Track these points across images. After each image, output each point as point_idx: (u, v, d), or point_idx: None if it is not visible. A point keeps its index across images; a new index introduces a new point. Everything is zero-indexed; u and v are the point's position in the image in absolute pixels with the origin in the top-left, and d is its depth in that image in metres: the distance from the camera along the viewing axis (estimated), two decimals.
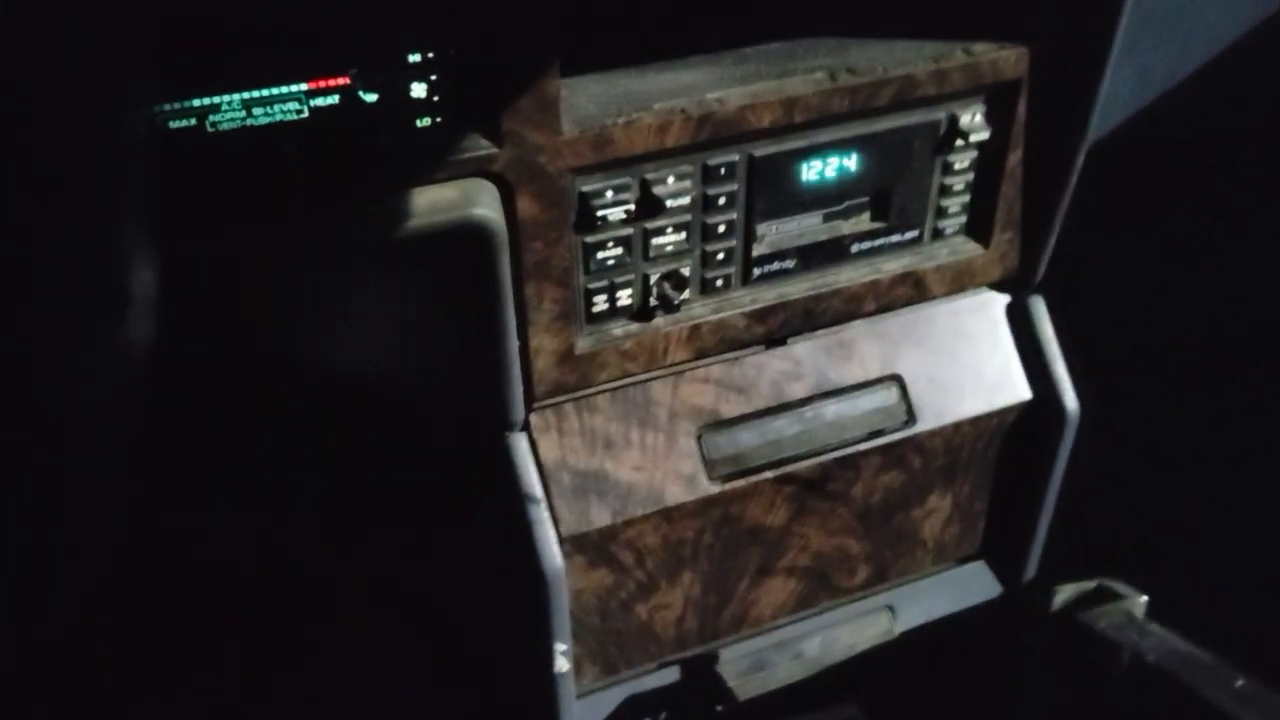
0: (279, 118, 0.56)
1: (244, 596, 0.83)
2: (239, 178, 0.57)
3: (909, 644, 0.87)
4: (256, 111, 0.56)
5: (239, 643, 0.84)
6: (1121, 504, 0.94)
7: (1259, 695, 0.62)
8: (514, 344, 0.65)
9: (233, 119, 0.56)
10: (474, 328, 0.64)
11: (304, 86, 0.56)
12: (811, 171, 0.71)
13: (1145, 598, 0.75)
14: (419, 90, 0.59)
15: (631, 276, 0.69)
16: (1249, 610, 0.81)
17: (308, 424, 0.72)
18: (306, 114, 0.57)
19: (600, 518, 0.72)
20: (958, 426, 0.80)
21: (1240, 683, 0.65)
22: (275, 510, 0.77)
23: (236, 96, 0.55)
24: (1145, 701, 0.69)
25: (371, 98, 0.58)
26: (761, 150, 0.68)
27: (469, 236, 0.60)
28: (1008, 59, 0.71)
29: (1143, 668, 0.68)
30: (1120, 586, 0.76)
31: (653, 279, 0.69)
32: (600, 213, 0.64)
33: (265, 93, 0.56)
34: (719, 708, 0.83)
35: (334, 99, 0.57)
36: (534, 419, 0.71)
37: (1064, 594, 0.77)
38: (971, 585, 0.90)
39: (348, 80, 0.57)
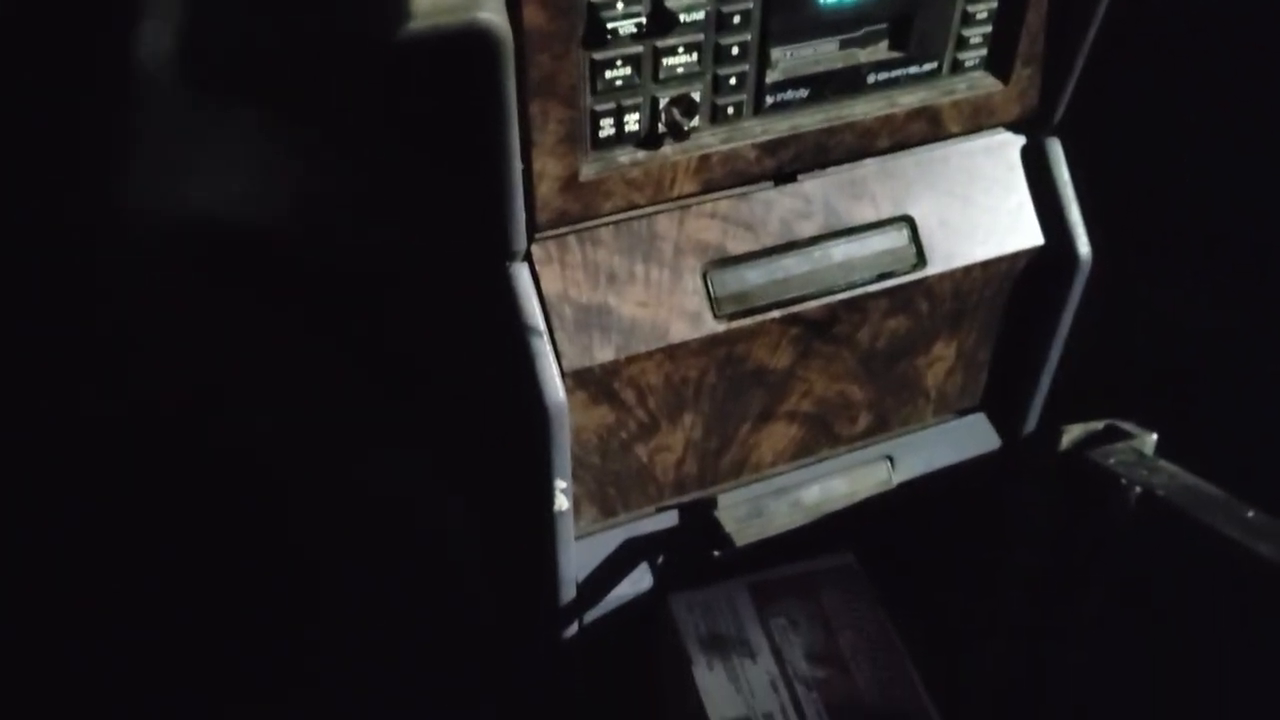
0: None
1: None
2: None
3: (907, 495, 0.86)
4: None
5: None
6: (1126, 355, 0.93)
7: (1269, 526, 0.62)
8: (517, 166, 0.62)
9: None
10: (475, 146, 0.61)
11: None
12: None
13: (1154, 435, 0.75)
14: None
15: (640, 99, 0.65)
16: (1258, 448, 0.81)
17: (303, 254, 0.70)
18: None
19: (603, 353, 0.70)
20: (967, 270, 0.79)
21: (1251, 514, 0.64)
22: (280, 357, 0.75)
23: None
24: (1156, 536, 0.69)
25: None
26: None
27: (474, 42, 0.56)
28: None
29: (1153, 503, 0.68)
30: (1129, 426, 0.76)
31: (662, 103, 0.66)
32: (611, 25, 0.61)
33: None
34: (716, 553, 0.82)
35: None
36: (536, 250, 0.68)
37: (1072, 434, 0.76)
38: (970, 438, 0.89)
39: None
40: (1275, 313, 0.93)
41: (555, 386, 0.68)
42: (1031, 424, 0.89)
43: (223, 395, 0.84)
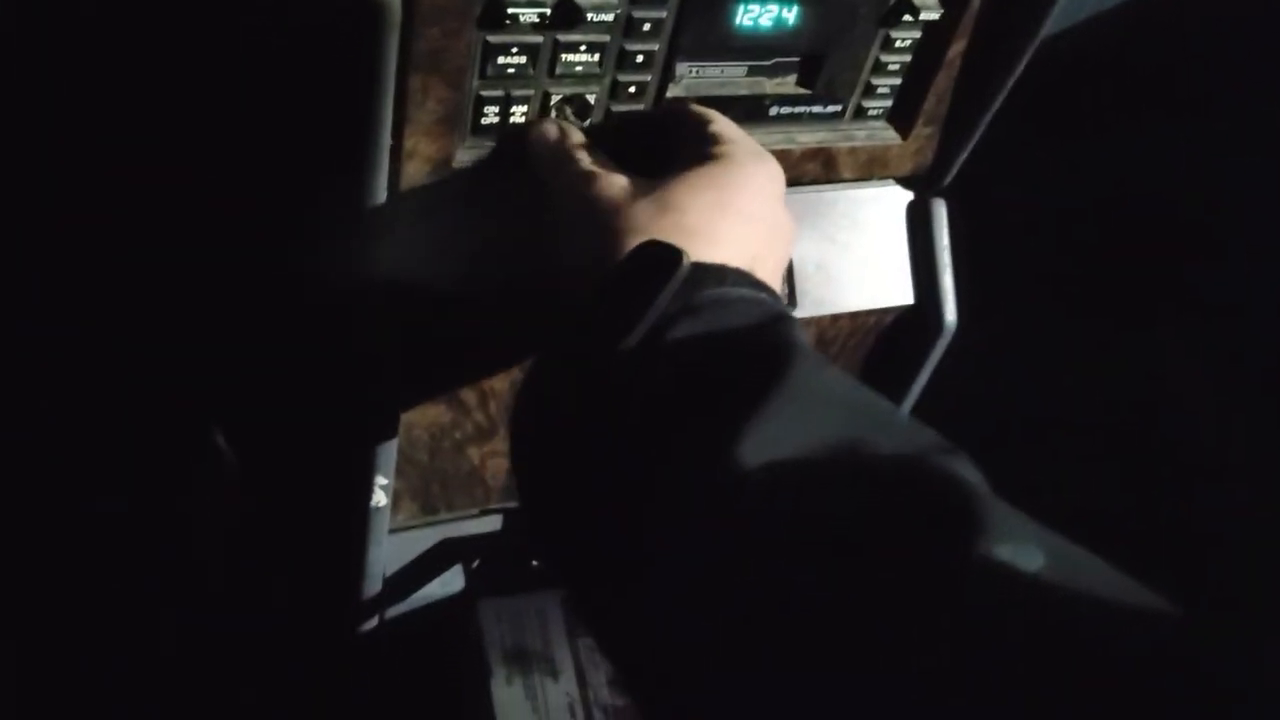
0: None
1: None
2: None
3: None
4: None
5: None
6: (975, 425, 0.94)
7: None
8: (385, 140, 0.57)
9: None
10: (342, 110, 0.55)
11: None
12: (748, 16, 0.64)
13: None
14: None
15: (531, 92, 0.61)
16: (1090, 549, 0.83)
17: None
18: None
19: (449, 352, 0.65)
20: (835, 318, 0.77)
21: None
22: None
23: None
24: None
25: None
26: None
27: (355, 6, 0.51)
28: None
29: None
30: None
31: (554, 99, 0.61)
32: (512, 10, 0.56)
33: None
34: (535, 563, 0.79)
35: None
36: None
37: None
38: None
39: None
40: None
41: (389, 383, 0.63)
42: None
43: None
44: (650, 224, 0.53)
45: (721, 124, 0.61)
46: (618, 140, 0.62)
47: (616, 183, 0.56)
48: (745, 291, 0.51)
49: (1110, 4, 0.85)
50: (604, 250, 0.53)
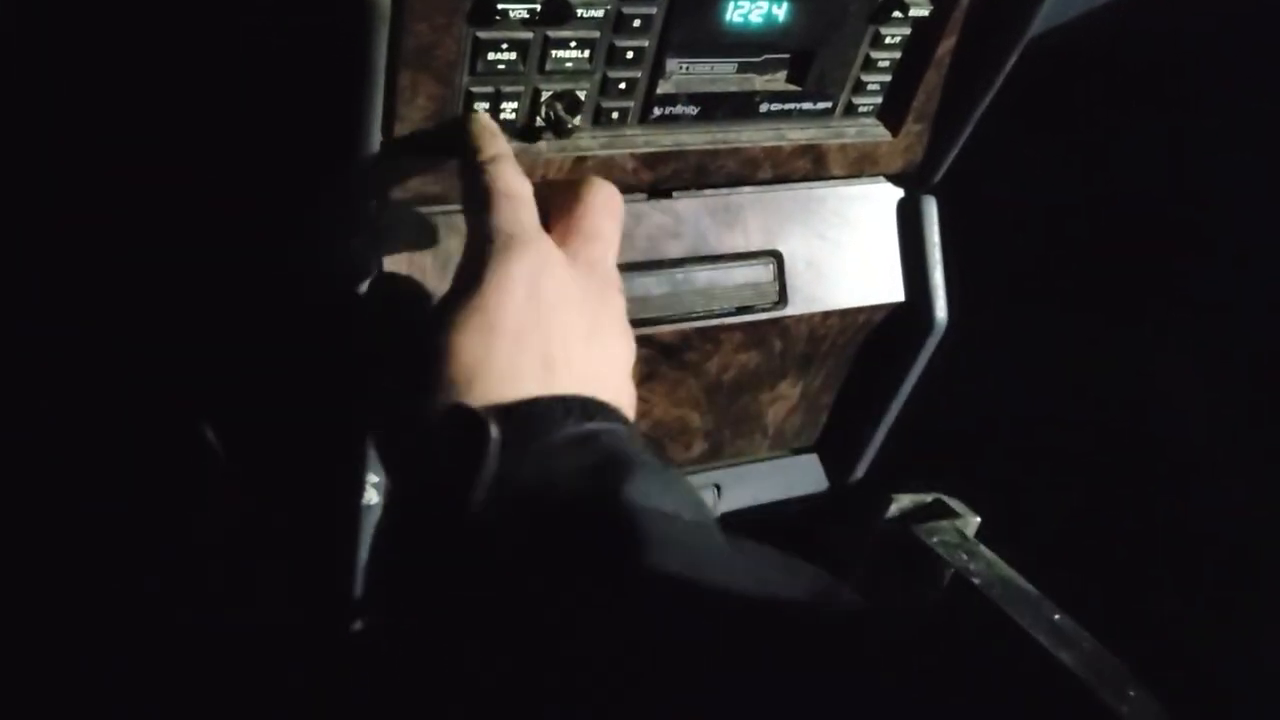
0: None
1: None
2: None
3: (730, 525, 0.85)
4: None
5: None
6: (966, 422, 0.94)
7: (1073, 634, 0.63)
8: (375, 137, 0.57)
9: None
10: (332, 115, 0.55)
11: None
12: (738, 13, 0.64)
13: (978, 519, 0.75)
14: None
15: (521, 89, 0.61)
16: (1077, 548, 0.83)
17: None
18: None
19: None
20: (825, 316, 0.77)
21: (1058, 617, 0.65)
22: None
23: None
24: (962, 622, 0.69)
25: None
26: None
27: (345, 3, 0.51)
28: None
29: (965, 589, 0.68)
30: (956, 504, 0.76)
31: (544, 96, 0.61)
32: (502, 6, 0.56)
33: None
34: None
35: None
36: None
37: (900, 503, 0.76)
38: (801, 477, 0.89)
39: None
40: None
41: (379, 380, 0.63)
42: (861, 471, 0.89)
43: None
44: (438, 369, 0.50)
45: (503, 209, 0.53)
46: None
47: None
48: (571, 431, 0.47)
49: (1100, 1, 0.86)
50: (406, 397, 0.52)
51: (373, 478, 0.67)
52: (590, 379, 0.51)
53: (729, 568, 0.44)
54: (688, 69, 0.66)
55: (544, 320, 0.51)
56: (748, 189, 0.73)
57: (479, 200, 0.53)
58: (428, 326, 0.52)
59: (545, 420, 0.47)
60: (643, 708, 0.39)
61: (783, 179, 0.73)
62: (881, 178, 0.78)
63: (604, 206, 0.57)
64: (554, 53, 0.60)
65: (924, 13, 0.67)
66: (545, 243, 0.53)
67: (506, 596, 0.43)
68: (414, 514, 0.49)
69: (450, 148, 0.59)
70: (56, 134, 0.68)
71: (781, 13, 0.65)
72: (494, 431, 0.45)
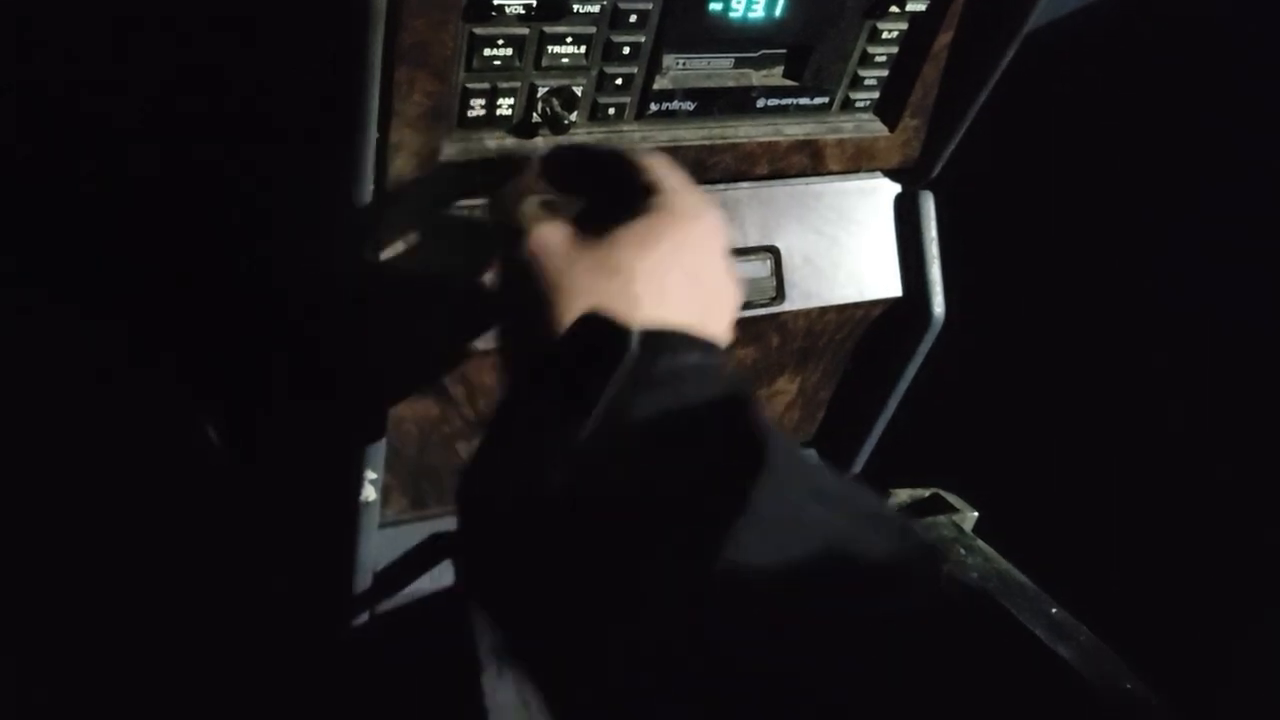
0: None
1: None
2: None
3: None
4: None
5: None
6: (964, 417, 0.94)
7: (1071, 627, 0.63)
8: (371, 133, 0.57)
9: None
10: (326, 109, 0.55)
11: None
12: (734, 8, 0.64)
13: (976, 513, 0.75)
14: None
15: (518, 84, 0.61)
16: (1074, 542, 0.83)
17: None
18: None
19: (437, 345, 0.65)
20: (823, 311, 0.77)
21: (1055, 611, 0.65)
22: None
23: None
24: (961, 616, 0.69)
25: None
26: None
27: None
28: None
29: (963, 584, 0.68)
30: (954, 499, 0.76)
31: (540, 91, 0.61)
32: (498, 2, 0.56)
33: None
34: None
35: None
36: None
37: (898, 498, 0.76)
38: None
39: None
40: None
41: (378, 376, 0.63)
42: (859, 466, 0.89)
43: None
44: (591, 287, 0.50)
45: (666, 172, 0.56)
46: (571, 171, 0.60)
47: (557, 234, 0.53)
48: (698, 359, 0.48)
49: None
50: (543, 312, 0.51)
51: (371, 475, 0.67)
52: (728, 324, 0.55)
53: (837, 507, 0.45)
54: (684, 64, 0.66)
55: (707, 281, 0.54)
56: (745, 184, 0.73)
57: (642, 156, 0.56)
58: (592, 234, 0.53)
59: (686, 346, 0.48)
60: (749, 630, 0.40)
61: (780, 174, 0.73)
62: (879, 173, 0.78)
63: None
64: (550, 48, 0.60)
65: (921, 8, 0.67)
66: (719, 219, 0.56)
67: (622, 517, 0.44)
68: (520, 443, 0.48)
69: (447, 140, 0.59)
70: (60, 132, 0.68)
71: (778, 7, 0.65)
72: (634, 339, 0.46)
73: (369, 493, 0.69)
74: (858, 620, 0.41)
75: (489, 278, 0.64)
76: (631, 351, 0.46)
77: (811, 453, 0.88)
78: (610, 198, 0.56)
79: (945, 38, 0.70)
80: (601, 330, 0.47)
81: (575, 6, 0.58)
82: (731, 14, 0.64)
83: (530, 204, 0.56)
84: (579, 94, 0.62)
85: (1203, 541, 0.96)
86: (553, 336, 0.50)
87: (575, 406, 0.45)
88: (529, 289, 0.53)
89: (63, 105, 0.66)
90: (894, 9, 0.67)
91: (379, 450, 0.67)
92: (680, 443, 0.45)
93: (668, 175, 0.56)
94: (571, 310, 0.49)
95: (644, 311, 0.49)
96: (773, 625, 0.40)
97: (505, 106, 0.61)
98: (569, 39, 0.60)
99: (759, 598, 0.40)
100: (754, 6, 0.64)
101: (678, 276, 0.52)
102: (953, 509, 0.75)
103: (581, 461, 0.45)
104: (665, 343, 0.48)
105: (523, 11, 0.57)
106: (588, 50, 0.61)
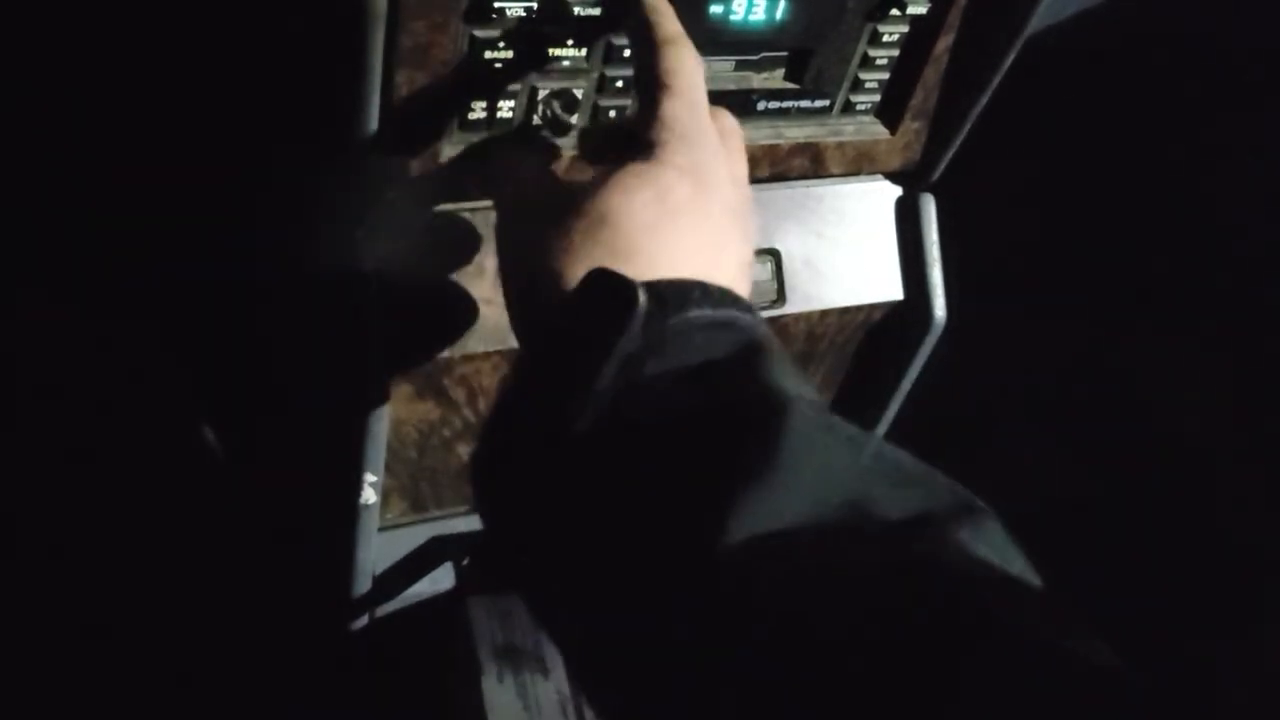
0: None
1: None
2: None
3: None
4: None
5: None
6: (966, 419, 0.94)
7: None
8: (370, 134, 0.57)
9: None
10: (327, 111, 0.55)
11: None
12: (735, 10, 0.64)
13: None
14: None
15: (519, 86, 0.61)
16: (1076, 546, 0.83)
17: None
18: None
19: (437, 347, 0.65)
20: (824, 314, 0.77)
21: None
22: None
23: None
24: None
25: None
26: None
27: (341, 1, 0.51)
28: None
29: None
30: None
31: (541, 94, 0.61)
32: (499, 4, 0.56)
33: None
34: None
35: None
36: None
37: None
38: None
39: None
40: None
41: (379, 377, 0.63)
42: None
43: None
44: (589, 243, 0.48)
45: (673, 97, 0.52)
46: (601, 146, 0.59)
47: (553, 189, 0.52)
48: (709, 313, 0.46)
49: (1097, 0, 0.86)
50: (542, 272, 0.49)
51: (370, 477, 0.67)
52: (738, 273, 0.52)
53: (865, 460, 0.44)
54: None
55: (717, 220, 0.51)
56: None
57: (658, 85, 0.53)
58: (594, 188, 0.50)
59: (697, 298, 0.46)
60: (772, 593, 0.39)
61: (780, 177, 0.73)
62: (880, 175, 0.78)
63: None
64: (551, 51, 0.60)
65: (922, 10, 0.67)
66: (713, 137, 0.53)
67: (640, 477, 0.43)
68: (540, 391, 0.47)
69: (447, 143, 0.59)
70: (60, 132, 0.68)
71: (779, 11, 0.65)
72: (641, 298, 0.44)
73: (369, 495, 0.68)
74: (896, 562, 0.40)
75: (488, 275, 0.64)
76: (637, 312, 0.44)
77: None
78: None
79: (946, 40, 0.70)
80: (605, 291, 0.45)
81: (576, 9, 0.58)
82: (732, 17, 0.63)
83: (527, 163, 0.56)
84: (580, 97, 0.62)
85: (1208, 546, 0.96)
86: (552, 296, 0.48)
87: (580, 375, 0.44)
88: (523, 249, 0.52)
89: (58, 106, 0.66)
90: (895, 12, 0.67)
91: (379, 452, 0.67)
92: (690, 411, 0.43)
93: (674, 103, 0.52)
94: (569, 267, 0.48)
95: (644, 265, 0.47)
96: (808, 573, 0.39)
97: (506, 109, 0.61)
98: (570, 41, 0.60)
99: (793, 549, 0.39)
100: (754, 9, 0.64)
101: (679, 222, 0.50)
102: None
103: (588, 437, 0.44)
104: (672, 297, 0.46)
105: (523, 14, 0.57)
106: (589, 53, 0.61)
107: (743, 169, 0.57)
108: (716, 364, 0.44)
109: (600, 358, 0.44)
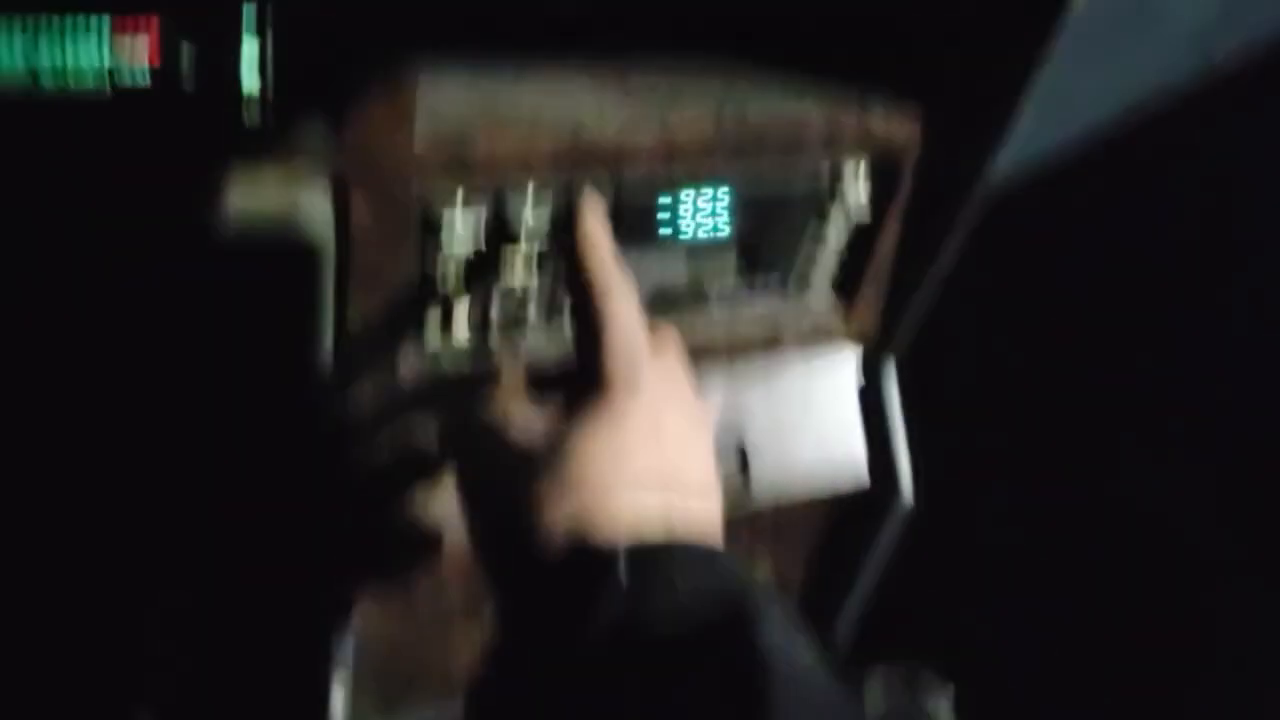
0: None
1: None
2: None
3: None
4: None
5: None
6: (941, 588, 0.93)
7: None
8: (327, 352, 0.58)
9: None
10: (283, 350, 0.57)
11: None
12: (682, 211, 0.65)
13: (952, 686, 0.74)
14: (249, 49, 0.50)
15: (470, 296, 0.62)
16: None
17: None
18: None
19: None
20: (793, 505, 0.77)
21: None
22: None
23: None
24: None
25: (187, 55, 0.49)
26: (631, 182, 0.62)
27: (288, 242, 0.52)
28: (900, 126, 0.67)
29: None
30: (929, 674, 0.75)
31: (495, 298, 0.63)
32: (445, 232, 0.58)
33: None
34: None
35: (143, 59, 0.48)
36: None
37: (875, 676, 0.75)
38: None
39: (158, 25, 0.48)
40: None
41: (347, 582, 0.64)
42: (841, 635, 0.88)
43: None
44: (557, 490, 0.49)
45: (613, 335, 0.52)
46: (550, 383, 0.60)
47: (515, 443, 0.52)
48: (691, 579, 0.46)
49: (1053, 153, 0.85)
50: (517, 528, 0.49)
51: (339, 674, 0.67)
52: (704, 482, 0.53)
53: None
54: (636, 264, 0.67)
55: (671, 451, 0.52)
56: (707, 367, 0.73)
57: (598, 330, 0.52)
58: (549, 440, 0.51)
59: (662, 563, 0.46)
60: None
61: (741, 352, 0.73)
62: (840, 347, 0.78)
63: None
64: (501, 268, 0.61)
65: (865, 220, 0.69)
66: (657, 362, 0.54)
67: None
68: (525, 643, 0.48)
69: (405, 354, 0.60)
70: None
71: (723, 225, 0.66)
72: (621, 573, 0.45)
73: (338, 699, 0.68)
74: None
75: (448, 486, 0.64)
76: (618, 580, 0.45)
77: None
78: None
79: (890, 236, 0.71)
80: (584, 557, 0.46)
81: (522, 228, 0.60)
82: (681, 236, 0.65)
83: (490, 407, 0.57)
84: (530, 312, 0.64)
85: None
86: (529, 549, 0.49)
87: (565, 640, 0.45)
88: (489, 503, 0.53)
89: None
90: (838, 217, 0.69)
91: (346, 654, 0.67)
92: (679, 677, 0.43)
93: (615, 332, 0.52)
94: (542, 518, 0.49)
95: (606, 521, 0.48)
96: None
97: (460, 315, 0.62)
98: (519, 258, 0.61)
99: None
100: (701, 227, 0.65)
101: (636, 466, 0.50)
102: (930, 685, 0.74)
103: (581, 672, 0.44)
104: (654, 564, 0.46)
105: (472, 237, 0.59)
106: (540, 261, 0.62)
107: (686, 380, 0.58)
108: (698, 634, 0.44)
109: (582, 630, 0.44)
